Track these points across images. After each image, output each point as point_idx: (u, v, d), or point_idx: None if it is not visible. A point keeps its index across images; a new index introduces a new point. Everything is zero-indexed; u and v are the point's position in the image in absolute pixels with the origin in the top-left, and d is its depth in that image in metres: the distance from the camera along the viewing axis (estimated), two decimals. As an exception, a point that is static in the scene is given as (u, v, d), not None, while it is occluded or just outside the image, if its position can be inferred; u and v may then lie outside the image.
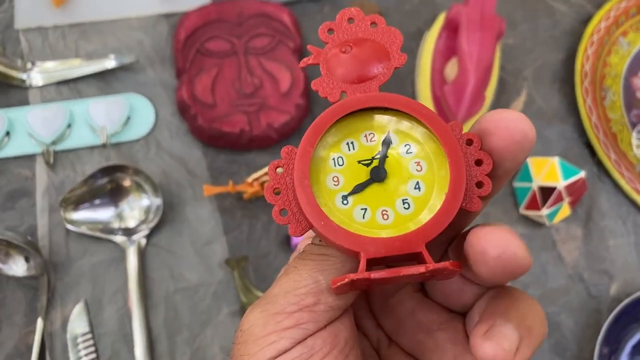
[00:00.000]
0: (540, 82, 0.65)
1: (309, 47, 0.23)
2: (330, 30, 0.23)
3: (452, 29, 0.60)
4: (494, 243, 0.18)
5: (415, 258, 0.20)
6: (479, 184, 0.21)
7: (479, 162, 0.21)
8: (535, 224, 0.58)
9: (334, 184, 0.21)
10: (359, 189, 0.21)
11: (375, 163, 0.21)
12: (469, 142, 0.21)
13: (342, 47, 0.22)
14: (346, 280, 0.19)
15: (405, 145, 0.22)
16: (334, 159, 0.22)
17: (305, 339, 0.19)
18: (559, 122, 0.63)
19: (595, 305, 0.56)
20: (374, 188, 0.21)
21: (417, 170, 0.21)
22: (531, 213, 0.57)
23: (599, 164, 0.61)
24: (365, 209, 0.21)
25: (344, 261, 0.21)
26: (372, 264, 0.20)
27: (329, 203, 0.21)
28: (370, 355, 0.24)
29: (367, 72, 0.22)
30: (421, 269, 0.19)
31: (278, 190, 0.21)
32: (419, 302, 0.24)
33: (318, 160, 0.21)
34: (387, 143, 0.21)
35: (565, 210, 0.57)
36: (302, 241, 0.26)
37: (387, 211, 0.21)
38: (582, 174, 0.55)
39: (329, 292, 0.20)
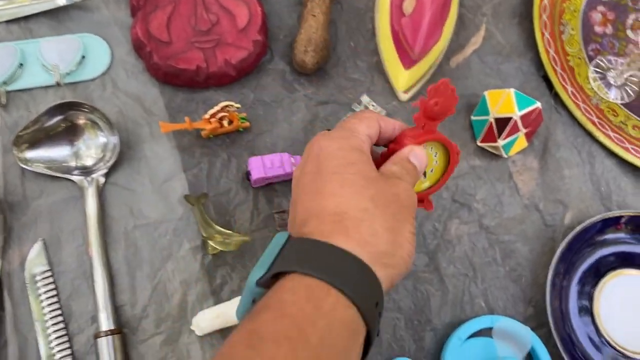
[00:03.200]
0: (499, 17, 0.65)
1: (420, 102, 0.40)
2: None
3: (409, -39, 0.59)
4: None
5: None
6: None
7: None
8: (493, 156, 0.59)
9: None
10: None
11: None
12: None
13: (434, 102, 0.39)
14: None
15: (431, 149, 0.41)
16: None
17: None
18: (516, 56, 0.63)
19: (550, 233, 0.58)
20: None
21: (435, 161, 0.42)
22: (488, 145, 0.58)
23: (556, 97, 0.62)
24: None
25: None
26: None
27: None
28: None
29: (438, 117, 0.40)
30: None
31: None
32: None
33: None
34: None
35: (521, 141, 0.58)
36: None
37: (423, 176, 0.42)
38: (537, 104, 0.55)
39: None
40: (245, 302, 0.32)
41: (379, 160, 0.40)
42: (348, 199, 0.33)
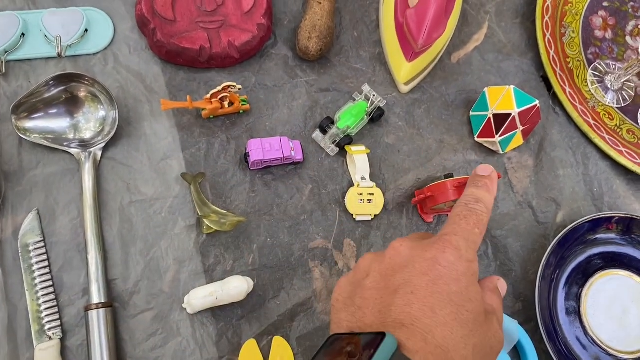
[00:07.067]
0: (502, 16, 0.65)
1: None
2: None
3: (417, -46, 0.59)
4: None
5: None
6: None
7: None
8: (489, 151, 0.60)
9: None
10: None
11: None
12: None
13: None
14: None
15: None
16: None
17: None
18: (517, 55, 0.64)
19: (542, 231, 0.58)
20: None
21: None
22: (485, 140, 0.59)
23: (554, 97, 0.62)
24: None
25: None
26: None
27: None
28: None
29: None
30: None
31: None
32: None
33: None
34: None
35: (518, 139, 0.58)
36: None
37: None
38: (536, 102, 0.56)
39: None
40: None
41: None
42: (457, 339, 0.32)
